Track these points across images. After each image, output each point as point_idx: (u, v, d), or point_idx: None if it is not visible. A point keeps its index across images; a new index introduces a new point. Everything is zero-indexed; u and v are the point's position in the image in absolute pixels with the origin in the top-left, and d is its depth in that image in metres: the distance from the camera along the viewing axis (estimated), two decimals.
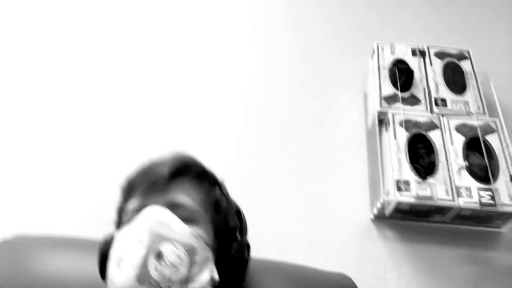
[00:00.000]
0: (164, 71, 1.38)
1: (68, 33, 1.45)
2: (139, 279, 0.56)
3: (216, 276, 0.63)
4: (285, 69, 1.41)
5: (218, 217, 0.68)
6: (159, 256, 0.57)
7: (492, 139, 1.16)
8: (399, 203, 1.05)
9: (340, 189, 1.17)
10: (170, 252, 0.58)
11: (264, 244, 1.02)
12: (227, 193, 0.75)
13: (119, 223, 0.69)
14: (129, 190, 0.68)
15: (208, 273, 0.61)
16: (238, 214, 0.75)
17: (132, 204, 0.66)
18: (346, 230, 1.10)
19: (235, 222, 0.72)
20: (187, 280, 0.58)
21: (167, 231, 0.60)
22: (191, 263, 0.59)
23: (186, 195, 0.65)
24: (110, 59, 1.40)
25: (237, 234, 0.73)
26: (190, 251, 0.60)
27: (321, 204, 1.14)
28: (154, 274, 0.56)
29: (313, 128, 1.29)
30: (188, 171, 0.68)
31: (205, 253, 0.62)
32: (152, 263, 0.57)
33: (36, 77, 1.33)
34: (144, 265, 0.57)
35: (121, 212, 0.69)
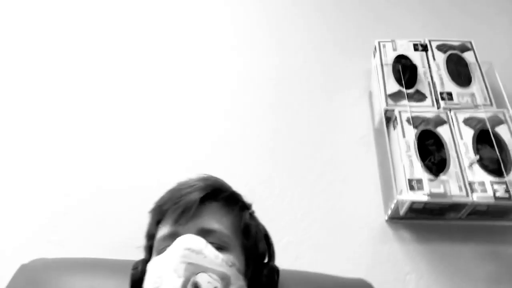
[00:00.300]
0: (170, 78, 1.38)
1: (68, 36, 1.46)
2: None
3: None
4: (287, 73, 1.40)
5: (248, 242, 0.68)
6: (196, 287, 0.57)
7: (502, 130, 1.14)
8: (413, 203, 1.03)
9: (352, 192, 1.15)
10: (206, 282, 0.57)
11: (279, 253, 1.01)
12: (255, 217, 0.74)
13: (150, 249, 0.68)
14: (160, 215, 0.67)
15: None
16: (266, 237, 0.75)
17: (163, 230, 0.65)
18: (361, 234, 1.09)
19: (264, 246, 0.72)
20: None
21: (202, 260, 0.59)
22: None
23: (217, 221, 0.65)
24: (110, 63, 1.41)
25: (266, 258, 0.73)
26: (225, 280, 0.59)
27: (333, 208, 1.13)
28: None
29: (320, 131, 1.27)
30: (218, 195, 0.67)
31: (238, 282, 0.62)
32: None
33: (57, 97, 1.33)
34: None
35: (151, 237, 0.68)
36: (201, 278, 0.57)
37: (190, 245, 0.60)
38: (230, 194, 0.70)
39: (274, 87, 1.37)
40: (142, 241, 0.73)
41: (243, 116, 1.30)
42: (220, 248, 0.62)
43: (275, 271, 0.68)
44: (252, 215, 0.73)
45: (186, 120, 1.29)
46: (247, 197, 0.75)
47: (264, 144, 1.24)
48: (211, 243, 0.62)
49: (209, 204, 0.66)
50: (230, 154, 1.21)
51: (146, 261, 0.66)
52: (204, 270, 0.58)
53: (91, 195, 1.13)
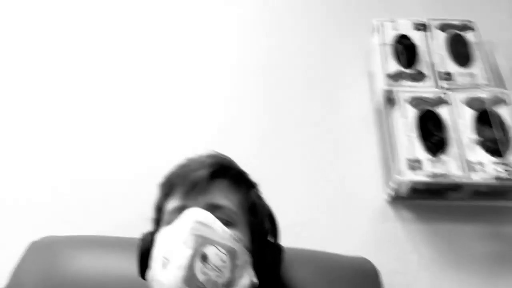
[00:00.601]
0: (173, 65, 1.37)
1: (68, 30, 1.43)
2: (186, 281, 0.57)
3: (255, 280, 0.64)
4: (286, 55, 1.39)
5: (254, 220, 0.70)
6: (204, 258, 0.58)
7: (502, 110, 1.14)
8: (413, 183, 1.03)
9: (353, 173, 1.15)
10: (214, 255, 0.59)
11: (282, 232, 1.01)
12: (262, 196, 0.76)
13: (158, 222, 0.70)
14: (169, 189, 0.69)
15: (248, 276, 0.63)
16: (271, 217, 0.77)
17: (172, 204, 0.67)
18: (362, 214, 1.09)
19: (269, 225, 0.74)
20: (230, 283, 0.60)
21: (210, 234, 0.61)
22: (233, 266, 0.61)
23: (225, 197, 0.67)
24: (107, 49, 1.39)
25: (271, 237, 0.75)
26: (232, 254, 0.61)
27: (334, 189, 1.13)
28: (200, 277, 0.58)
29: (320, 112, 1.27)
30: (226, 173, 0.69)
31: (244, 257, 0.63)
32: (198, 266, 0.58)
33: (63, 83, 1.32)
34: (191, 267, 0.58)
35: (160, 210, 0.70)
36: (209, 251, 0.59)
37: (199, 219, 0.61)
38: (238, 172, 0.72)
39: (272, 68, 1.35)
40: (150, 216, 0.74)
41: (241, 98, 1.29)
42: (227, 223, 0.64)
43: (279, 249, 0.71)
44: (258, 194, 0.75)
45: (187, 103, 1.29)
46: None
47: (264, 126, 1.24)
48: (219, 218, 0.63)
49: (218, 181, 0.68)
50: (230, 136, 1.20)
51: (154, 233, 0.68)
52: (212, 243, 0.60)
53: (100, 173, 1.15)
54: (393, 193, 1.09)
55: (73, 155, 1.18)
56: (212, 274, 0.58)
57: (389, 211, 1.09)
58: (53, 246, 0.86)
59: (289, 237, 1.02)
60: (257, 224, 0.70)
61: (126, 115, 1.26)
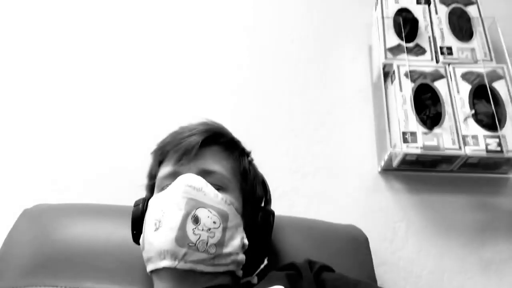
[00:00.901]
0: (168, 33, 1.36)
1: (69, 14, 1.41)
2: (178, 241, 0.58)
3: (246, 242, 0.65)
4: (287, 25, 1.38)
5: (246, 186, 0.70)
6: (196, 220, 0.59)
7: (499, 85, 1.14)
8: (406, 154, 1.05)
9: (347, 144, 1.17)
10: (206, 217, 0.60)
11: (275, 201, 1.04)
12: (254, 164, 0.77)
13: (151, 188, 0.71)
14: (161, 156, 0.70)
15: (240, 238, 0.64)
16: (263, 184, 0.78)
17: (165, 170, 0.67)
18: (354, 184, 1.11)
19: (261, 191, 0.75)
20: (221, 244, 0.61)
21: (202, 197, 0.62)
22: (224, 228, 0.61)
23: (217, 163, 0.67)
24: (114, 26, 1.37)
25: (263, 203, 0.76)
26: (224, 217, 0.62)
27: (329, 159, 1.15)
28: (192, 237, 0.58)
29: (318, 84, 1.27)
30: (218, 139, 0.70)
31: (236, 219, 0.65)
32: (190, 226, 0.59)
33: (61, 58, 1.30)
34: (182, 228, 0.59)
35: (153, 177, 0.71)
36: (201, 213, 0.60)
37: (191, 183, 0.62)
38: (230, 139, 0.72)
39: (272, 41, 1.35)
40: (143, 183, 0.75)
41: (240, 69, 1.29)
42: (219, 188, 0.65)
43: (270, 213, 0.71)
44: (250, 161, 0.75)
45: (189, 83, 1.27)
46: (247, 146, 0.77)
47: (261, 97, 1.24)
48: (211, 183, 0.64)
49: (210, 147, 0.68)
50: (227, 107, 1.22)
51: (147, 199, 0.69)
52: (204, 206, 0.61)
53: (93, 142, 1.15)
54: (385, 165, 1.12)
55: (67, 123, 1.18)
56: (203, 235, 0.59)
57: (381, 182, 1.12)
58: (45, 213, 0.85)
59: (282, 205, 1.06)
60: (249, 189, 0.71)
61: (121, 82, 1.25)
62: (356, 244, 0.89)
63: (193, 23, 1.38)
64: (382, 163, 1.12)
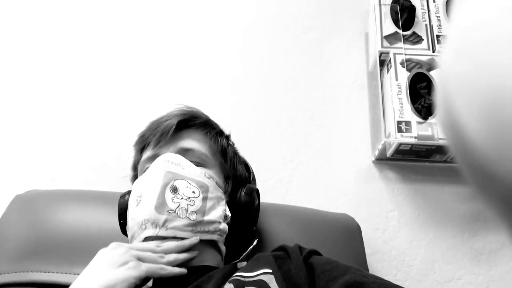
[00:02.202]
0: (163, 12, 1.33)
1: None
2: (158, 208, 0.59)
3: (229, 213, 0.66)
4: (282, 13, 1.35)
5: (226, 164, 0.72)
6: (175, 190, 0.61)
7: None
8: (400, 144, 1.05)
9: (342, 134, 1.16)
10: (185, 187, 0.61)
11: (269, 191, 1.05)
12: (233, 144, 0.78)
13: (136, 178, 0.72)
14: (141, 144, 0.72)
15: (221, 209, 0.65)
16: (246, 166, 0.79)
17: (146, 154, 0.69)
18: (348, 173, 1.11)
19: (243, 171, 0.76)
20: (202, 211, 0.61)
21: (181, 171, 0.63)
22: (205, 198, 0.62)
23: (194, 141, 0.69)
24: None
25: (246, 183, 0.76)
26: (203, 188, 0.63)
27: (323, 149, 1.14)
28: (171, 205, 0.60)
29: (313, 72, 1.25)
30: (195, 121, 0.71)
31: (217, 192, 0.66)
32: (169, 195, 0.60)
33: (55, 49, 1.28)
34: (161, 197, 0.60)
35: (136, 167, 0.73)
36: (180, 183, 0.62)
37: (169, 158, 0.64)
38: (206, 120, 0.74)
39: (266, 27, 1.33)
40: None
41: (235, 59, 1.27)
42: (198, 165, 0.66)
43: (253, 190, 0.72)
44: (229, 142, 0.76)
45: (184, 67, 1.25)
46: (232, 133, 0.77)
47: (255, 86, 1.23)
48: (190, 161, 0.65)
49: (186, 129, 0.70)
50: (221, 96, 1.21)
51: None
52: (183, 178, 0.62)
53: (87, 130, 1.14)
54: (379, 154, 1.12)
55: (61, 109, 1.15)
56: (183, 202, 0.60)
57: (375, 171, 1.12)
58: (37, 199, 0.85)
59: (276, 194, 1.06)
60: (230, 167, 0.72)
61: (119, 74, 1.23)
62: (348, 232, 0.90)
63: (189, 11, 1.35)
64: (376, 153, 1.12)
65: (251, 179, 0.78)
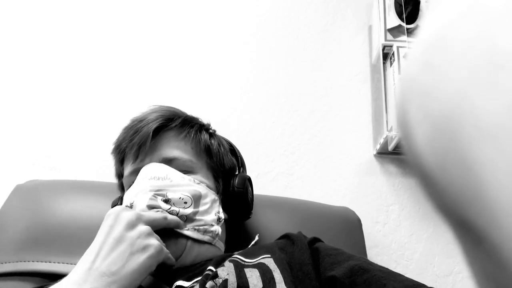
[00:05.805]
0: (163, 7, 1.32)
1: None
2: (149, 206, 0.58)
3: (222, 216, 0.65)
4: (285, 4, 1.34)
5: (212, 161, 0.69)
6: (166, 201, 0.59)
7: None
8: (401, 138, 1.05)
9: (344, 127, 1.16)
10: (177, 198, 0.60)
11: (270, 183, 1.04)
12: (216, 134, 0.75)
13: (122, 187, 0.71)
14: (120, 155, 0.69)
15: (214, 212, 0.64)
16: (232, 151, 0.76)
17: (127, 169, 0.66)
18: (349, 167, 1.11)
19: (231, 161, 0.74)
20: (194, 214, 0.60)
21: (169, 184, 0.61)
22: (197, 206, 0.61)
23: (175, 148, 0.66)
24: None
25: (236, 171, 0.75)
26: (195, 197, 0.61)
27: (324, 142, 1.14)
28: (164, 206, 0.59)
29: (316, 65, 1.24)
30: (171, 124, 0.67)
31: (210, 197, 0.64)
32: (162, 204, 0.59)
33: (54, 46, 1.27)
34: (154, 200, 0.58)
35: (120, 176, 0.71)
36: (172, 195, 0.60)
37: (154, 173, 0.61)
38: (183, 120, 0.69)
39: (269, 19, 1.31)
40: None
41: (236, 51, 1.26)
42: (185, 172, 0.64)
43: (245, 178, 0.71)
44: (211, 134, 0.73)
45: (185, 61, 1.24)
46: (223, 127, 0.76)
47: (257, 78, 1.22)
48: (176, 169, 0.63)
49: (164, 134, 0.66)
50: (223, 89, 1.20)
51: (122, 197, 0.69)
52: (174, 191, 0.60)
53: (88, 120, 1.13)
54: (381, 148, 1.11)
55: (61, 99, 1.15)
56: (176, 208, 0.59)
57: (376, 165, 1.11)
58: (37, 189, 0.85)
59: (277, 186, 1.06)
60: (216, 164, 0.70)
61: (122, 67, 1.22)
62: (349, 225, 0.91)
63: (189, 9, 1.35)
64: (378, 146, 1.12)
65: (240, 165, 0.76)
